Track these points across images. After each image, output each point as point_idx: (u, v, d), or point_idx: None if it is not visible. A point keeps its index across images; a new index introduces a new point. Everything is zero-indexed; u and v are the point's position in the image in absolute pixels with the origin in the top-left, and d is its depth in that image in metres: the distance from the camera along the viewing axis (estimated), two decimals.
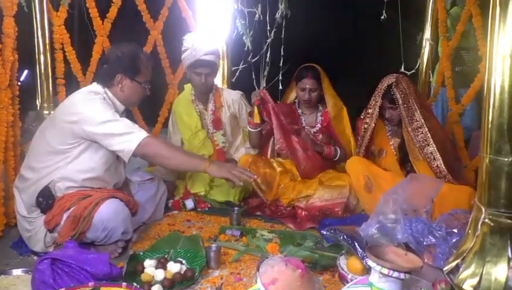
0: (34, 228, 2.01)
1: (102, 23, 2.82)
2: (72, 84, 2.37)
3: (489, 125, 1.50)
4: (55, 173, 1.98)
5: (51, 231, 1.97)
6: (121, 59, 2.09)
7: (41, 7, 2.54)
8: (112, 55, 2.14)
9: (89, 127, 1.95)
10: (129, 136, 1.97)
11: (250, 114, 2.80)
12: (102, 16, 2.82)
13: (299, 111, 2.92)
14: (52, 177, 1.98)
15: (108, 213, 1.91)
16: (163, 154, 2.05)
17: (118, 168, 2.16)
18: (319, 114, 2.88)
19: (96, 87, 2.11)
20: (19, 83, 2.39)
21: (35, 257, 2.00)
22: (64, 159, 1.98)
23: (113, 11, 2.84)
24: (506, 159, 1.48)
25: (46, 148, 2.00)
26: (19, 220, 2.08)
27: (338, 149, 2.84)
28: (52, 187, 1.98)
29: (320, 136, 2.87)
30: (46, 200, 1.97)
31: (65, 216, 1.93)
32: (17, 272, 1.80)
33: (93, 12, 2.77)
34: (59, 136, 1.98)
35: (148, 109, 3.24)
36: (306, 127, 2.89)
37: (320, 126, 2.87)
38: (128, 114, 3.20)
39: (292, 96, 3.00)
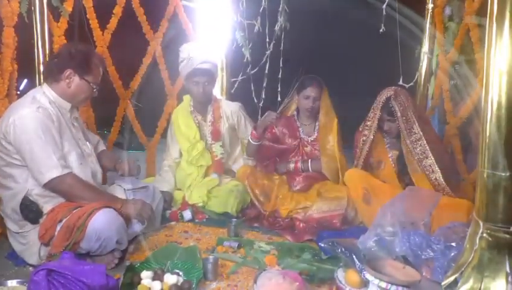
0: (28, 242, 2.00)
1: (103, 34, 2.84)
2: None
3: (487, 140, 1.51)
4: (27, 184, 1.97)
5: (46, 244, 1.95)
6: (73, 55, 2.07)
7: (41, 18, 2.56)
8: (64, 51, 2.12)
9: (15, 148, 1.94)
10: (44, 169, 1.93)
11: (256, 128, 2.81)
12: (103, 27, 2.83)
13: (298, 123, 2.93)
14: (26, 187, 1.97)
15: (102, 223, 1.90)
16: (75, 194, 2.00)
17: (85, 163, 2.13)
18: (317, 123, 2.90)
19: (32, 95, 2.06)
20: (18, 92, 2.39)
21: (30, 268, 1.98)
22: (25, 171, 1.97)
23: (113, 22, 2.86)
24: (503, 174, 1.48)
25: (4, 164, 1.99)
26: (11, 236, 2.07)
27: (309, 162, 2.83)
28: (30, 196, 1.98)
29: (318, 144, 2.88)
30: (29, 209, 1.96)
31: (58, 228, 1.92)
32: (12, 283, 1.78)
33: (94, 23, 2.79)
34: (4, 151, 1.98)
35: (147, 120, 3.25)
36: (303, 137, 2.90)
37: (317, 134, 2.88)
38: (126, 125, 3.23)
39: (292, 108, 3.02)
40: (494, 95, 1.47)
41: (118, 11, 2.85)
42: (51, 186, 1.96)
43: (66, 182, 1.97)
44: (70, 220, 1.89)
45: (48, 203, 2.00)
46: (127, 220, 2.08)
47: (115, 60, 2.89)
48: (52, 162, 1.94)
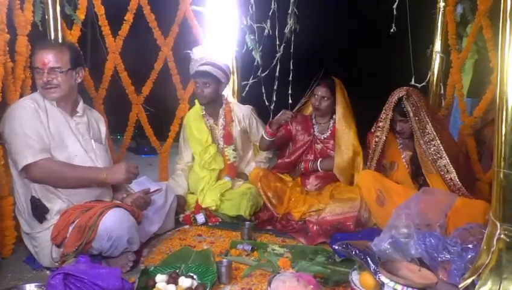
0: (40, 244, 2.03)
1: (114, 41, 2.87)
2: (84, 101, 2.40)
3: (503, 139, 1.48)
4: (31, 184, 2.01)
5: (58, 245, 1.98)
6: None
7: (55, 26, 2.59)
8: None
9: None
10: (21, 156, 1.95)
11: (271, 124, 2.80)
12: (114, 33, 2.87)
13: (314, 121, 2.94)
14: (31, 188, 2.02)
15: (113, 222, 1.92)
16: (54, 175, 1.99)
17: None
18: (331, 122, 2.90)
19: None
20: None
21: (48, 272, 2.01)
22: None
23: (124, 29, 2.89)
24: None
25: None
26: (25, 238, 2.11)
27: (318, 161, 2.85)
28: (35, 192, 2.02)
29: (332, 141, 2.87)
30: (35, 205, 1.99)
31: (71, 229, 1.95)
32: (30, 287, 1.80)
33: (106, 30, 2.82)
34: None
35: (159, 124, 3.28)
36: (316, 134, 2.91)
37: (330, 132, 2.89)
38: (139, 129, 3.25)
39: (310, 109, 3.02)
40: (509, 94, 1.45)
41: (129, 17, 2.88)
42: (29, 174, 1.98)
43: (41, 167, 1.96)
44: (82, 221, 1.92)
45: (51, 203, 2.03)
46: (138, 219, 2.10)
47: (127, 65, 2.92)
48: (29, 150, 1.95)
